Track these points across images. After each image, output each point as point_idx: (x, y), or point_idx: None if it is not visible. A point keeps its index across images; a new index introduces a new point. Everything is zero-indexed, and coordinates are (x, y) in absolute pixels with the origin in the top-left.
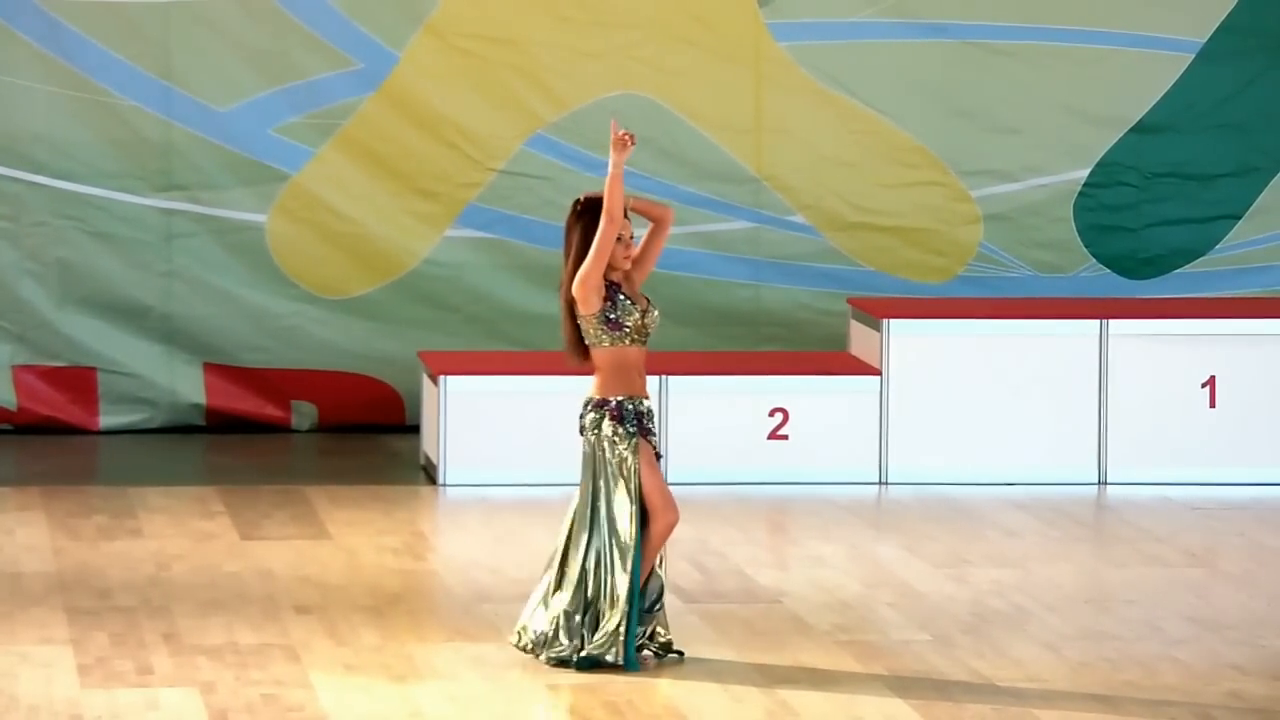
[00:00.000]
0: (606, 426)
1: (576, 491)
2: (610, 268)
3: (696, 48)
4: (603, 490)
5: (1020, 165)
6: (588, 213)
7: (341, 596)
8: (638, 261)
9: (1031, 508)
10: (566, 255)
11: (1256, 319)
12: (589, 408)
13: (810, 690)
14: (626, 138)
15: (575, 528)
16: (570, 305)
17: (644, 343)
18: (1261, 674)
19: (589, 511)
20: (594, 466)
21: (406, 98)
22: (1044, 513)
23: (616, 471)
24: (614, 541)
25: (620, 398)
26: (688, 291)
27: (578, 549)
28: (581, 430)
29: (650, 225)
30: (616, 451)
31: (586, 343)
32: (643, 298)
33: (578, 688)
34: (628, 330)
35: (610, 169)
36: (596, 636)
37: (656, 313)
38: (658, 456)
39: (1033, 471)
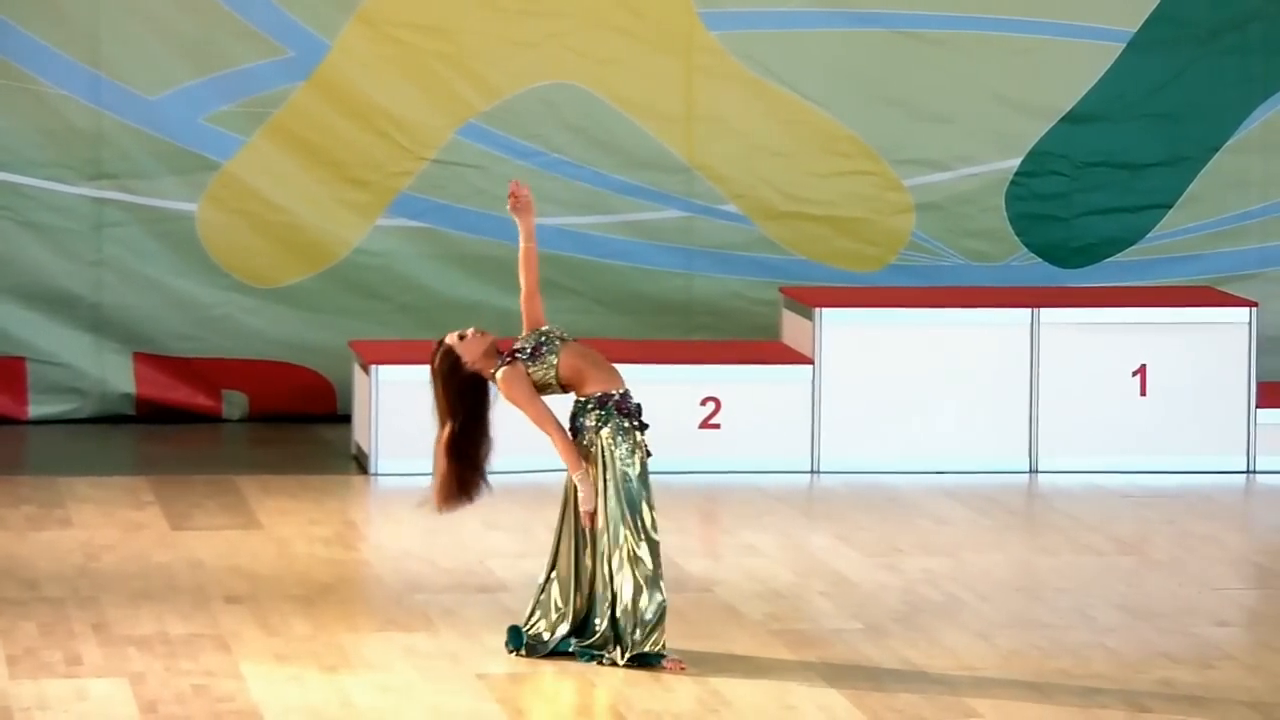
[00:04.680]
0: (610, 428)
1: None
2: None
3: (628, 36)
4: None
5: (952, 154)
6: (455, 374)
7: (272, 586)
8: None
9: (963, 496)
10: (440, 406)
11: (1187, 307)
12: (588, 408)
13: (742, 679)
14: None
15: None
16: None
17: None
18: (1191, 662)
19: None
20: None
21: (338, 86)
22: (975, 501)
23: (625, 471)
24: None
25: (613, 391)
26: (620, 280)
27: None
28: (578, 433)
29: (522, 254)
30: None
31: (545, 383)
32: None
33: (508, 678)
34: (550, 343)
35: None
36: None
37: (557, 330)
38: (648, 454)
39: (964, 460)
